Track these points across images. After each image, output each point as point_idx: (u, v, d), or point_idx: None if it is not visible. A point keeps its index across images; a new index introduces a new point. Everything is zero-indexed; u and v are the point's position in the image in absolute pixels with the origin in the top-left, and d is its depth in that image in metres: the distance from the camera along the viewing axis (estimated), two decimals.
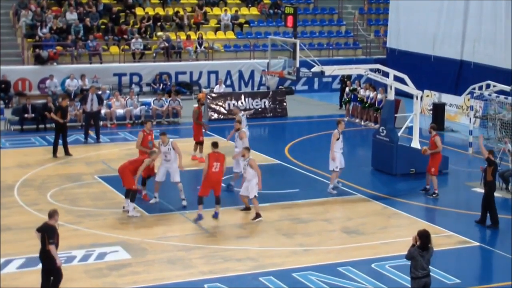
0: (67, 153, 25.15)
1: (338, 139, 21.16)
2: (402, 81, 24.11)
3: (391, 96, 23.83)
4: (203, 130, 24.79)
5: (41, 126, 29.17)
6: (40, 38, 35.76)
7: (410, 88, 24.09)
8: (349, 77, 34.18)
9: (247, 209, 19.53)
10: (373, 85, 31.49)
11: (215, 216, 18.93)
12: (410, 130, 25.18)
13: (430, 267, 12.66)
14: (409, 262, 12.66)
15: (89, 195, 20.79)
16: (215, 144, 18.97)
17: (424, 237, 12.45)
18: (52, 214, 13.79)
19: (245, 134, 21.84)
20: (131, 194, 18.75)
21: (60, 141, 25.20)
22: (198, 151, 24.56)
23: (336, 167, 21.09)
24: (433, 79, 35.34)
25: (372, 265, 15.97)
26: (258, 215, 18.97)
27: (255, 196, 18.94)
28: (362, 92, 32.05)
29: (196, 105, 25.59)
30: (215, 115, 31.93)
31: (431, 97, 32.95)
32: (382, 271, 15.66)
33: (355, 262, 16.15)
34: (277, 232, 18.09)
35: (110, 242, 16.95)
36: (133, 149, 25.93)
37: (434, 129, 21.68)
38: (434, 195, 21.05)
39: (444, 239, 17.52)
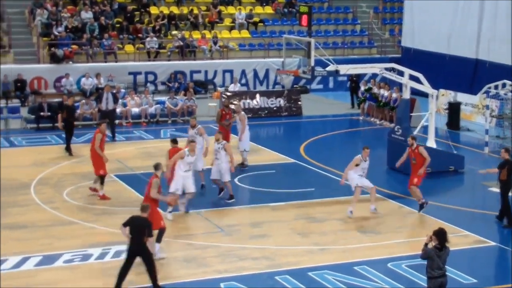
0: (68, 150, 25.24)
1: (357, 165, 19.35)
2: (417, 80, 24.05)
3: (406, 95, 23.77)
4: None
5: (57, 124, 29.25)
6: (55, 37, 35.89)
7: (426, 87, 24.02)
8: (357, 76, 34.12)
9: (222, 190, 20.46)
10: (388, 84, 31.42)
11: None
12: (425, 129, 25.09)
13: (446, 266, 12.62)
14: (425, 262, 12.62)
15: (105, 193, 20.82)
16: (174, 141, 19.68)
17: (441, 235, 12.39)
18: (146, 208, 14.27)
19: (204, 130, 21.63)
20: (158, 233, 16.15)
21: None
22: None
23: (356, 184, 19.42)
24: (448, 78, 35.24)
25: (388, 265, 15.93)
26: (231, 197, 20.13)
27: (228, 180, 19.95)
28: (376, 90, 32.00)
29: (214, 104, 25.56)
30: None
31: (447, 96, 32.84)
32: (398, 271, 15.61)
33: (371, 262, 16.11)
34: (292, 231, 18.08)
35: (127, 241, 16.91)
36: (148, 147, 26.12)
37: (415, 139, 19.84)
38: (425, 205, 19.47)
39: (460, 239, 17.45)
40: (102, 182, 20.30)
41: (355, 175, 19.31)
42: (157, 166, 16.58)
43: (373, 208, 19.52)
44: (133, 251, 14.04)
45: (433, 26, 37.66)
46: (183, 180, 18.59)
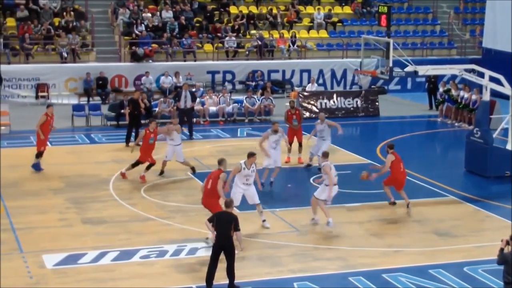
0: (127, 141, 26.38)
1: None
2: (497, 81, 23.61)
3: (486, 97, 23.37)
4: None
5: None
6: (136, 35, 36.50)
7: (506, 88, 23.56)
8: (435, 77, 33.68)
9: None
10: (469, 85, 30.93)
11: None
12: (505, 132, 24.62)
13: None
14: (501, 267, 12.41)
15: (181, 191, 21.15)
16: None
17: None
18: (230, 203, 14.70)
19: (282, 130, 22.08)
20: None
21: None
22: (298, 152, 24.42)
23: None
24: None
25: (464, 269, 15.73)
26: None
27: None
28: (454, 92, 31.52)
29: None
30: (307, 114, 31.88)
31: None
32: (474, 275, 15.40)
33: (447, 265, 15.93)
34: (367, 232, 18.00)
35: (202, 238, 17.15)
36: (225, 146, 26.36)
37: (391, 147, 19.47)
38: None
39: None
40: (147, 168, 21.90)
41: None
42: (221, 161, 16.96)
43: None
44: (219, 246, 14.23)
45: None
46: (243, 193, 17.73)
